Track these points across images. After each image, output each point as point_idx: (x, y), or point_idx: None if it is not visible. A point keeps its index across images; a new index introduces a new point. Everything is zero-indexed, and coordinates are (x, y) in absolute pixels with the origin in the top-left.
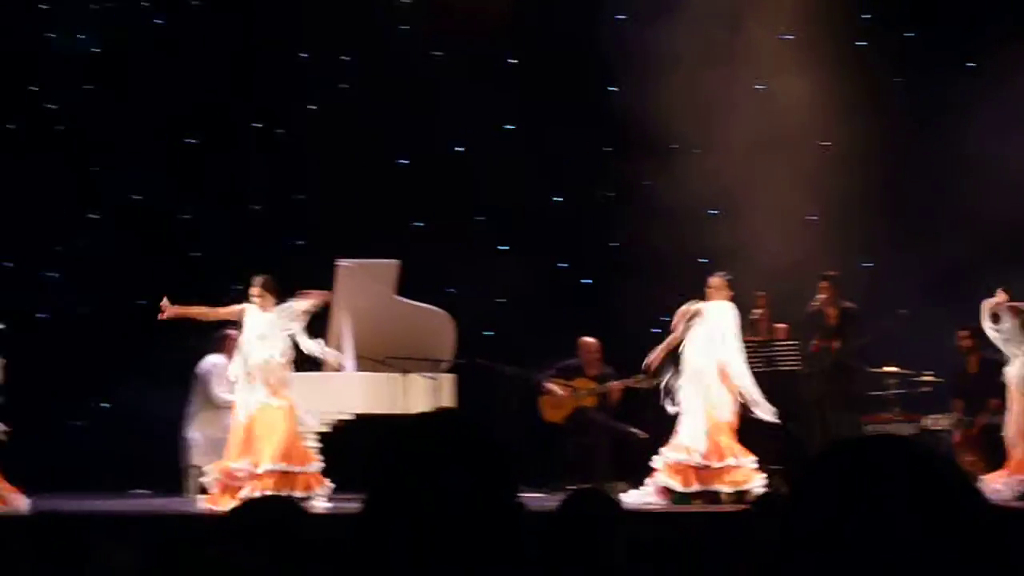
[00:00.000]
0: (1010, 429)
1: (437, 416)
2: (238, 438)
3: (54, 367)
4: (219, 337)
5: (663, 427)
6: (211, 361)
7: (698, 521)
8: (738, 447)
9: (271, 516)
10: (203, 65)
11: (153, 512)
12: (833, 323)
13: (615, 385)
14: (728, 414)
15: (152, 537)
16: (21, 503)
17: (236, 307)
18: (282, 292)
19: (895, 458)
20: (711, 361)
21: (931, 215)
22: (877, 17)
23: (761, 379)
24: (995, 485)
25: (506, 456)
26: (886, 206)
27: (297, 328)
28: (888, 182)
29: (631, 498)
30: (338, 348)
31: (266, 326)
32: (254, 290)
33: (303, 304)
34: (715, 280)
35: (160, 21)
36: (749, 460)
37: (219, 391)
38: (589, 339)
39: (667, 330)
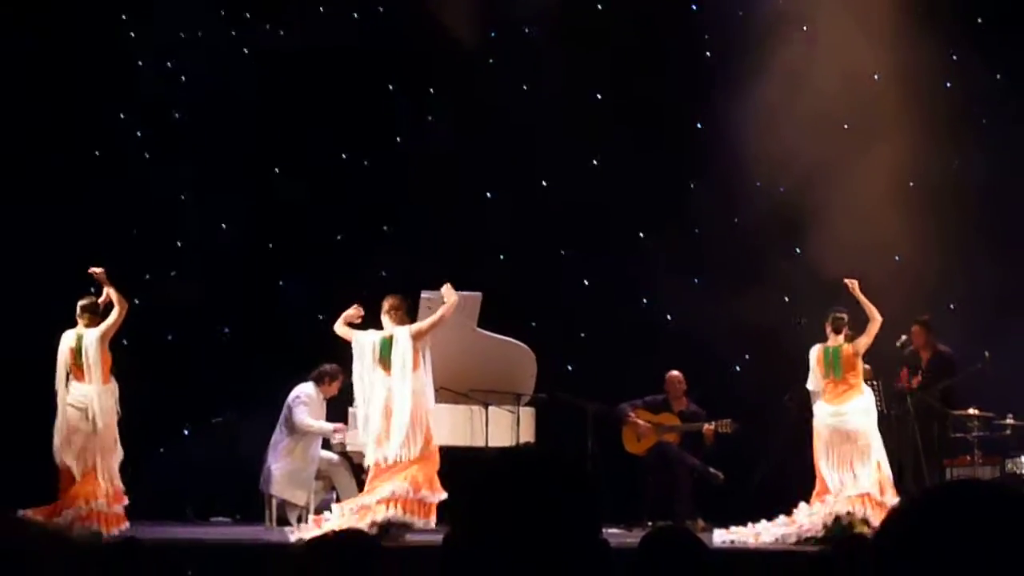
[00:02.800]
0: None
1: (525, 451)
2: None
3: (138, 394)
4: (325, 371)
5: (745, 467)
6: (300, 390)
7: (783, 560)
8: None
9: (347, 550)
10: (290, 96)
11: (232, 541)
12: (924, 366)
13: (706, 429)
14: None
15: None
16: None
17: None
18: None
19: (984, 506)
20: None
21: (1019, 253)
22: (965, 57)
23: None
24: None
25: (593, 493)
26: (974, 246)
27: None
28: (977, 222)
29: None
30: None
31: None
32: None
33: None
34: None
35: (247, 50)
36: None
37: (304, 419)
38: (675, 372)
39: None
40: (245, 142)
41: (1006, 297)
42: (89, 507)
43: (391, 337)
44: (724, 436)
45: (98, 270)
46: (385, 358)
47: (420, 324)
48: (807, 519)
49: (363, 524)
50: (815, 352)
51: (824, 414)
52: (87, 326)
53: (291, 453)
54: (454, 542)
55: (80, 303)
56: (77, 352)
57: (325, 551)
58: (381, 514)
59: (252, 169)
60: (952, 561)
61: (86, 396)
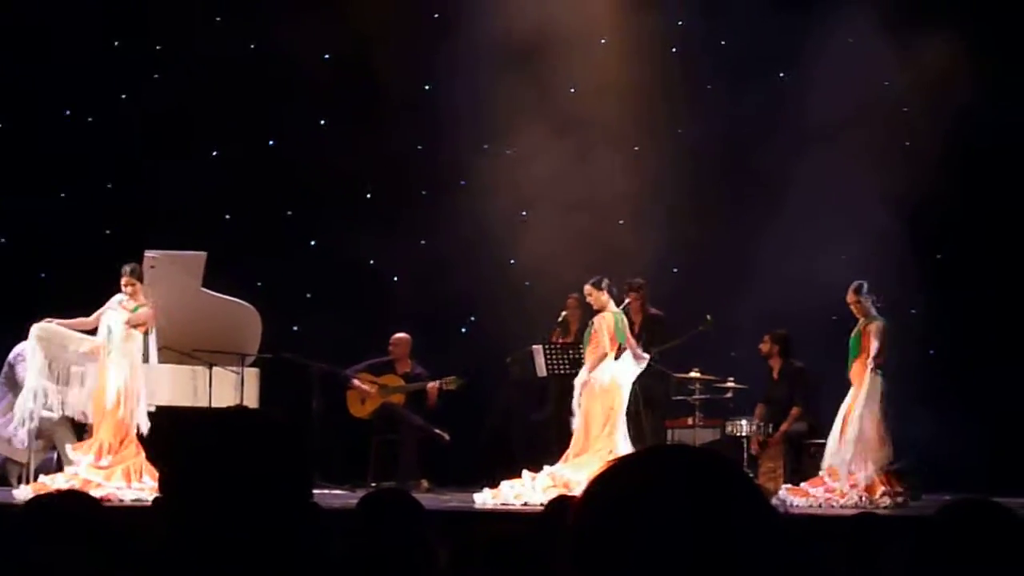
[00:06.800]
0: None
1: (233, 413)
2: None
3: None
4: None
5: (470, 429)
6: (21, 348)
7: (497, 519)
8: None
9: (68, 509)
10: (14, 51)
11: None
12: (637, 331)
13: (430, 387)
14: None
15: None
16: None
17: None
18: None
19: (680, 469)
20: None
21: (741, 219)
22: (690, 23)
23: (565, 382)
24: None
25: (303, 455)
26: (698, 210)
27: None
28: (701, 186)
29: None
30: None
31: None
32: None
33: None
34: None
35: None
36: None
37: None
38: (401, 334)
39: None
40: None
41: (729, 261)
42: None
43: None
44: (451, 393)
45: None
46: None
47: None
48: None
49: None
50: (614, 320)
51: (626, 373)
52: None
53: (11, 411)
54: (165, 504)
55: None
56: None
57: (45, 510)
58: None
59: None
60: (645, 524)
61: None
